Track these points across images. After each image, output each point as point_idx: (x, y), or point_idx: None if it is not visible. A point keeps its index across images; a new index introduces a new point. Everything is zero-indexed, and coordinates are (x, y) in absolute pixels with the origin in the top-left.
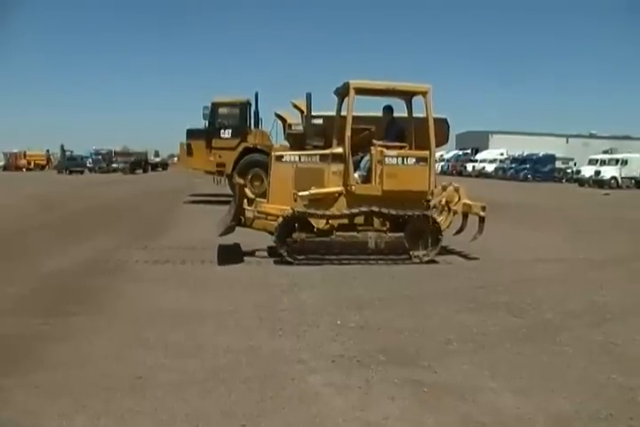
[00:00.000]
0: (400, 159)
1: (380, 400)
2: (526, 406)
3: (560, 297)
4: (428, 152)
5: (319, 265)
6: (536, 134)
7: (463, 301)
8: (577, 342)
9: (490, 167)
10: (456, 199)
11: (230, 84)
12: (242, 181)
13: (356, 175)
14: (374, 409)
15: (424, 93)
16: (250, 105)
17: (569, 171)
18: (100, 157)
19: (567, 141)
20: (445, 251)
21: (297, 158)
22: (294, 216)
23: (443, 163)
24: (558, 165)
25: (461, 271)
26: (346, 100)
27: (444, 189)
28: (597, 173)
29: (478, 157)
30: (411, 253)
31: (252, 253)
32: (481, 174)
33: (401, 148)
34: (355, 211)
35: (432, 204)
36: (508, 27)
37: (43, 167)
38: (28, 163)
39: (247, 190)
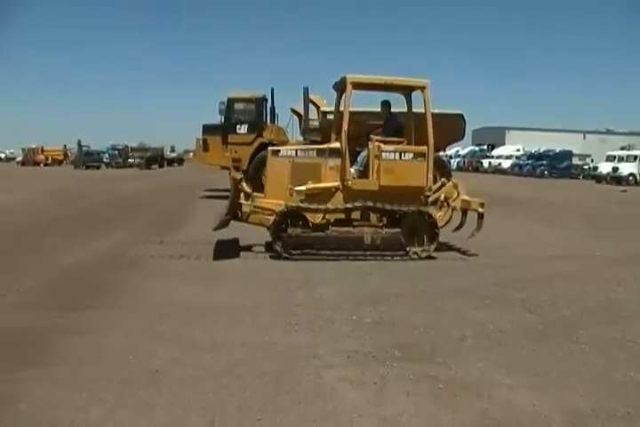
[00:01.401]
0: (397, 154)
1: (396, 396)
2: (542, 403)
3: (576, 294)
4: (425, 147)
5: (317, 261)
6: (553, 130)
7: (479, 297)
8: (594, 340)
9: (506, 163)
10: (455, 195)
11: (246, 79)
12: (238, 176)
13: (352, 170)
14: (389, 405)
15: (422, 88)
16: (266, 100)
17: (586, 167)
18: (116, 152)
19: (584, 137)
20: (460, 247)
21: (294, 153)
22: (288, 211)
23: (459, 159)
24: (575, 161)
25: (477, 268)
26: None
27: (444, 184)
28: (615, 169)
29: (494, 153)
30: (408, 249)
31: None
32: (497, 171)
33: (399, 143)
34: (349, 206)
35: (430, 199)
36: (525, 22)
37: (60, 162)
38: (46, 158)
39: (244, 185)
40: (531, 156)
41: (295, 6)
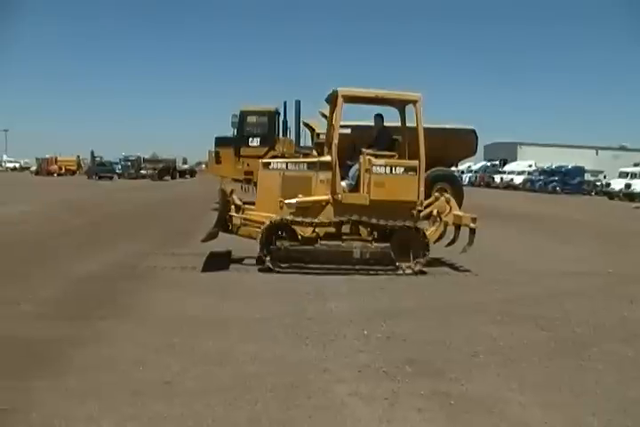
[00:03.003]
0: (388, 168)
1: (407, 412)
2: (554, 420)
3: (589, 311)
4: (416, 161)
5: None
6: (565, 146)
7: (490, 313)
8: (607, 358)
9: (518, 179)
10: (447, 210)
11: (260, 93)
12: (227, 189)
13: (343, 184)
14: (400, 421)
15: (414, 102)
16: (278, 114)
17: (598, 183)
18: (129, 163)
19: (597, 154)
20: (471, 262)
21: (284, 166)
22: (276, 224)
23: (470, 174)
24: (587, 177)
25: (489, 284)
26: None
27: (437, 199)
28: (628, 186)
29: (506, 168)
30: (397, 264)
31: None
32: (509, 186)
33: (390, 157)
34: (338, 220)
35: (422, 214)
36: (539, 36)
37: (73, 173)
38: (60, 168)
39: (235, 197)
40: (543, 171)
41: (319, 17)
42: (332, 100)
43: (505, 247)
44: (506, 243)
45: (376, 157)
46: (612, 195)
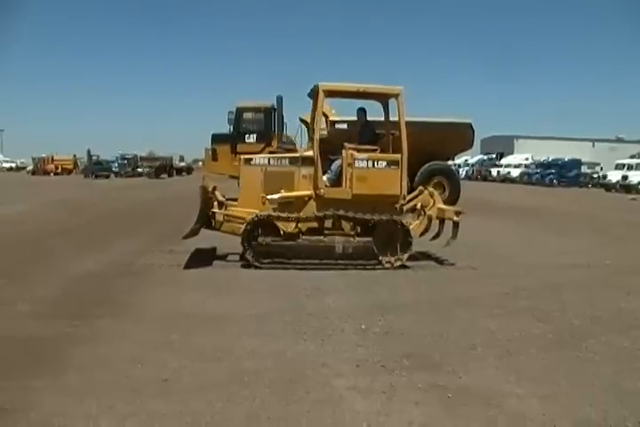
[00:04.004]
0: (370, 162)
1: (405, 405)
2: (552, 412)
3: (586, 303)
4: (399, 155)
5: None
6: (562, 139)
7: (488, 306)
8: (604, 349)
9: (515, 172)
10: (431, 204)
11: (257, 88)
12: (209, 185)
13: (324, 178)
14: (398, 414)
15: (396, 96)
16: (274, 110)
17: (595, 176)
18: (125, 161)
19: (593, 146)
20: (468, 255)
21: (266, 161)
22: (258, 220)
23: (467, 168)
24: (584, 169)
25: (486, 277)
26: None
27: (421, 192)
28: (625, 177)
29: (503, 161)
30: (380, 258)
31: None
32: (506, 179)
33: (372, 151)
34: (320, 214)
35: (405, 208)
36: (535, 29)
37: (70, 172)
38: (56, 167)
39: (217, 193)
40: (539, 164)
41: (316, 12)
42: (313, 94)
43: (502, 240)
44: (502, 236)
45: (358, 151)
46: (608, 187)
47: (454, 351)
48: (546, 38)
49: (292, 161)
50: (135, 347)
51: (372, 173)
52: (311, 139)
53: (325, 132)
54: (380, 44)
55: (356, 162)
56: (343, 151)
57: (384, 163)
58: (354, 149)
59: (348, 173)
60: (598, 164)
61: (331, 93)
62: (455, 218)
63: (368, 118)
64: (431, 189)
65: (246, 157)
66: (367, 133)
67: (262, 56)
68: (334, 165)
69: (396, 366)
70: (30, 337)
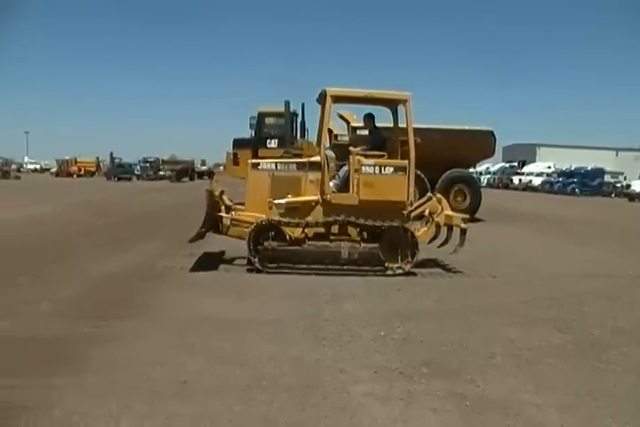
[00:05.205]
0: (377, 168)
1: (422, 413)
2: (571, 423)
3: (608, 313)
4: (406, 162)
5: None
6: (585, 148)
7: (508, 315)
8: (625, 360)
9: (537, 180)
10: (439, 210)
11: (280, 94)
12: (217, 190)
13: (331, 184)
14: (416, 421)
15: (404, 102)
16: (296, 115)
17: (618, 185)
18: (147, 164)
19: (617, 155)
20: (489, 263)
21: (274, 166)
22: (264, 225)
23: (489, 175)
24: (607, 179)
25: (506, 285)
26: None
27: (429, 199)
28: None
29: (525, 169)
30: (386, 264)
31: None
32: (527, 188)
33: (380, 157)
34: (326, 220)
35: (413, 214)
36: (557, 39)
37: (92, 174)
38: (79, 169)
39: (225, 197)
40: (562, 173)
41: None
42: (321, 99)
43: (522, 248)
44: (523, 244)
45: (365, 156)
46: (632, 196)
47: (473, 359)
48: (569, 47)
49: (300, 166)
50: (155, 349)
51: (379, 178)
52: (319, 144)
53: (347, 138)
54: (398, 51)
55: (362, 168)
56: (350, 157)
57: (391, 169)
58: (361, 155)
59: (354, 178)
60: (622, 173)
61: (338, 99)
62: (462, 225)
63: (377, 125)
64: (439, 195)
65: (253, 161)
66: (375, 139)
67: (290, 61)
68: (342, 171)
69: (414, 373)
70: (52, 337)
